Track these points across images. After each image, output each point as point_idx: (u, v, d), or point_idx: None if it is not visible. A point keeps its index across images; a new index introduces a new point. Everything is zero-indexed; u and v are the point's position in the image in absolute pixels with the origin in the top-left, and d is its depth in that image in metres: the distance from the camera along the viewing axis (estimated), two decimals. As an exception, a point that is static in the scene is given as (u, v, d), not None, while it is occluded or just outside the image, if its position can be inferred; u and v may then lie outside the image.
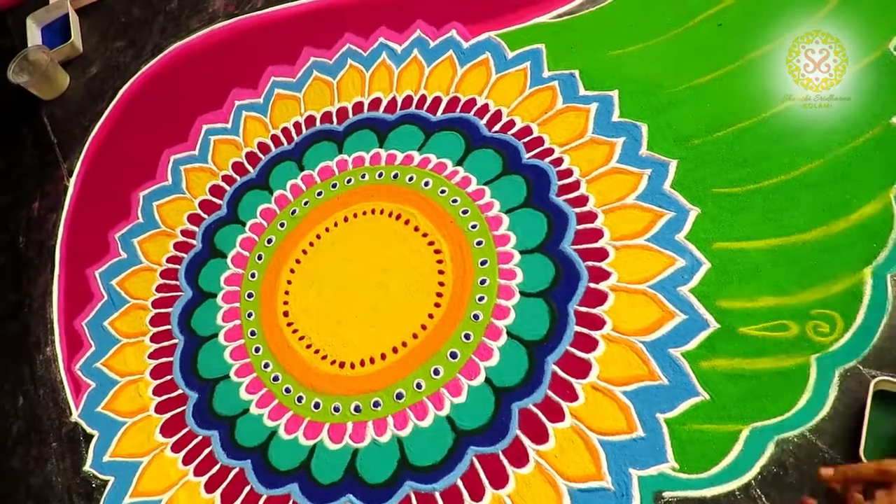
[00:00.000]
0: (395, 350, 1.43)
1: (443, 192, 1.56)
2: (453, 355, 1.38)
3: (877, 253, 1.22)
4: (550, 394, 1.29)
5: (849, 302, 1.18)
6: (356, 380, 1.43)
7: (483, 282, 1.43)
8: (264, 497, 1.37)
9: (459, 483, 1.26)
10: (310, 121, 1.79)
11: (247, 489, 1.38)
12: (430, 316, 1.44)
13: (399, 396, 1.38)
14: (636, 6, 1.64)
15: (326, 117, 1.78)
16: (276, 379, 1.49)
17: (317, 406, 1.43)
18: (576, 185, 1.46)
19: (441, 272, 1.48)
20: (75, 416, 1.60)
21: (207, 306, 1.64)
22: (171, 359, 1.60)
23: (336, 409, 1.41)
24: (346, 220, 1.63)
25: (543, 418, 1.27)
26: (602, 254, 1.38)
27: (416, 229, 1.54)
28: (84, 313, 1.73)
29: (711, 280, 1.29)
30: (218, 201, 1.78)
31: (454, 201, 1.54)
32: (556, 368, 1.30)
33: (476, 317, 1.40)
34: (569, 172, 1.48)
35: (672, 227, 1.35)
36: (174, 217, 1.79)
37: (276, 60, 1.93)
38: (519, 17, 1.73)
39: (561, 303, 1.36)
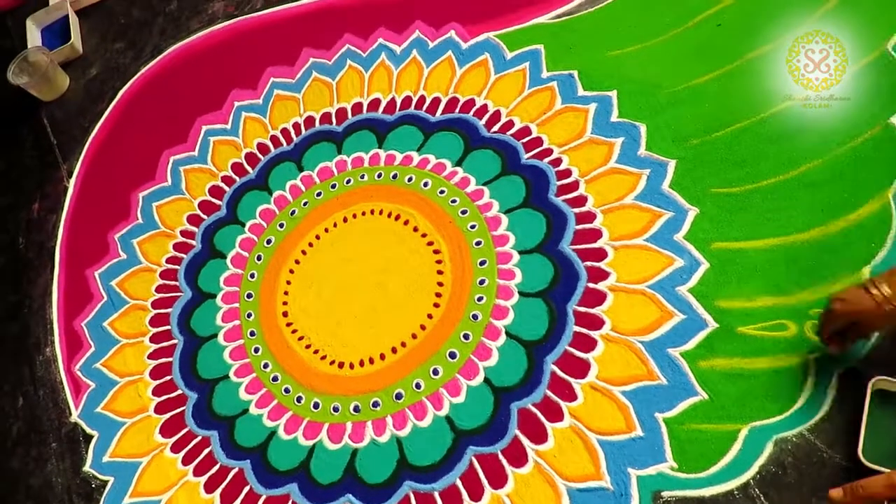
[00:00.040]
0: (394, 350, 1.43)
1: (442, 192, 1.56)
2: (452, 355, 1.38)
3: (875, 253, 1.22)
4: (549, 394, 1.29)
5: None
6: (355, 380, 1.43)
7: (482, 282, 1.43)
8: (264, 497, 1.37)
9: (458, 483, 1.27)
10: (309, 121, 1.80)
11: (246, 489, 1.38)
12: (430, 316, 1.44)
13: (398, 396, 1.38)
14: (635, 7, 1.64)
15: (326, 118, 1.78)
16: (275, 379, 1.49)
17: (316, 406, 1.43)
18: (575, 186, 1.47)
19: (440, 272, 1.48)
20: (75, 417, 1.61)
21: (207, 307, 1.64)
22: (170, 359, 1.60)
23: (335, 410, 1.41)
24: (345, 220, 1.63)
25: (542, 418, 1.27)
26: (601, 254, 1.38)
27: (416, 230, 1.55)
28: (84, 314, 1.74)
29: (710, 280, 1.29)
30: (217, 202, 1.78)
31: (453, 201, 1.54)
32: (555, 368, 1.30)
33: (475, 317, 1.40)
34: (567, 173, 1.49)
35: (671, 227, 1.36)
36: (174, 218, 1.79)
37: (276, 61, 1.93)
38: (518, 17, 1.73)
39: (560, 303, 1.36)
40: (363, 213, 1.62)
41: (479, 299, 1.42)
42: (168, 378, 1.58)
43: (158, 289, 1.70)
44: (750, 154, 1.38)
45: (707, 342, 1.24)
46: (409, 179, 1.61)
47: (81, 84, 2.17)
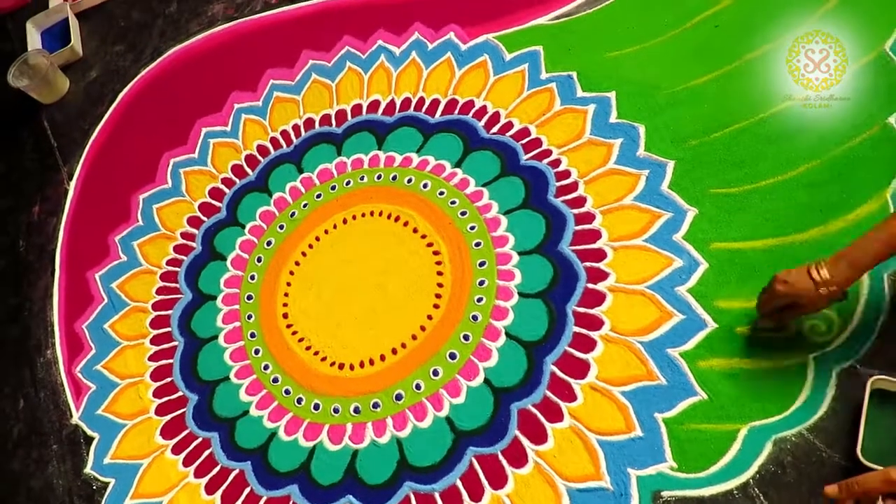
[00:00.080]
0: (394, 351, 1.44)
1: (441, 193, 1.57)
2: (452, 356, 1.38)
3: (874, 252, 1.22)
4: (549, 394, 1.29)
5: (847, 302, 1.17)
6: (355, 381, 1.44)
7: (482, 283, 1.43)
8: (264, 498, 1.37)
9: (459, 483, 1.27)
10: (309, 123, 1.80)
11: (247, 490, 1.39)
12: (429, 317, 1.44)
13: (398, 397, 1.38)
14: (634, 8, 1.65)
15: (325, 120, 1.79)
16: (275, 381, 1.50)
17: (316, 407, 1.44)
18: (574, 186, 1.47)
19: (440, 273, 1.48)
20: (76, 419, 1.61)
21: (207, 308, 1.64)
22: (171, 361, 1.60)
23: (336, 411, 1.42)
24: (345, 222, 1.63)
25: (542, 418, 1.27)
26: (600, 254, 1.38)
27: (415, 231, 1.55)
28: (84, 316, 1.74)
29: (709, 280, 1.29)
30: (217, 204, 1.78)
31: (453, 203, 1.55)
32: (555, 369, 1.31)
33: (475, 318, 1.40)
34: (567, 173, 1.49)
35: (670, 227, 1.36)
36: (174, 220, 1.80)
37: (275, 63, 1.93)
38: (517, 19, 1.74)
39: (559, 303, 1.36)
40: (363, 215, 1.62)
41: (479, 300, 1.42)
42: (169, 380, 1.58)
43: (159, 291, 1.71)
44: (749, 155, 1.38)
45: (706, 342, 1.24)
46: (409, 181, 1.62)
47: (81, 87, 2.17)
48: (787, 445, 1.13)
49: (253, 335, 1.57)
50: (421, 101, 1.71)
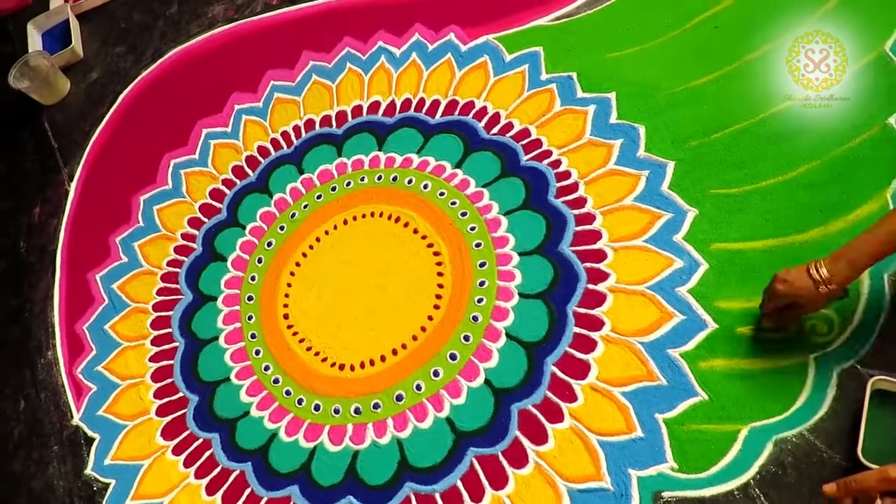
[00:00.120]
0: (394, 352, 1.44)
1: (442, 194, 1.57)
2: (453, 357, 1.38)
3: (874, 253, 1.22)
4: (550, 395, 1.29)
5: (847, 302, 1.18)
6: (356, 382, 1.44)
7: (482, 283, 1.43)
8: (265, 499, 1.37)
9: (459, 484, 1.27)
10: (309, 124, 1.80)
11: (247, 491, 1.39)
12: (430, 318, 1.44)
13: (399, 398, 1.38)
14: (633, 9, 1.65)
15: (326, 121, 1.79)
16: (276, 381, 1.50)
17: (317, 408, 1.44)
18: (574, 187, 1.47)
19: (440, 274, 1.48)
20: (76, 420, 1.61)
21: (208, 309, 1.64)
22: (171, 362, 1.60)
23: (336, 412, 1.42)
24: (345, 223, 1.63)
25: (543, 419, 1.27)
26: (600, 255, 1.38)
27: (416, 232, 1.55)
28: (85, 317, 1.74)
29: (709, 281, 1.29)
30: (218, 205, 1.78)
31: (453, 203, 1.55)
32: (556, 369, 1.31)
33: (475, 318, 1.41)
34: (567, 174, 1.49)
35: (670, 228, 1.36)
36: (174, 221, 1.80)
37: (276, 64, 1.93)
38: (517, 20, 1.74)
39: (560, 304, 1.36)
40: (363, 216, 1.62)
41: (480, 301, 1.42)
42: (169, 381, 1.58)
43: (159, 292, 1.71)
44: (749, 155, 1.39)
45: (707, 343, 1.24)
46: (409, 181, 1.62)
47: (82, 88, 2.18)
48: (788, 446, 1.13)
49: (253, 336, 1.57)
50: (421, 101, 1.71)
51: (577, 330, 1.33)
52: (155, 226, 1.81)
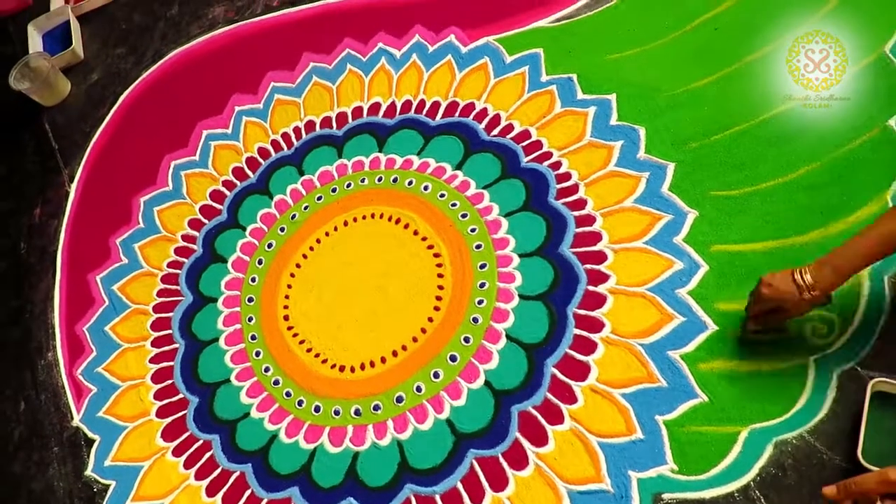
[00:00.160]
0: (394, 353, 1.44)
1: (442, 195, 1.57)
2: (453, 358, 1.39)
3: (874, 255, 1.22)
4: (550, 396, 1.29)
5: (847, 304, 1.18)
6: (356, 383, 1.44)
7: (482, 285, 1.43)
8: (265, 501, 1.37)
9: (459, 486, 1.27)
10: (309, 126, 1.80)
11: (247, 493, 1.39)
12: (430, 319, 1.45)
13: (399, 400, 1.38)
14: (634, 11, 1.65)
15: (326, 122, 1.79)
16: (276, 383, 1.50)
17: (317, 410, 1.44)
18: (574, 189, 1.47)
19: (440, 276, 1.48)
20: (77, 421, 1.61)
21: (208, 311, 1.64)
22: (172, 363, 1.60)
23: (336, 413, 1.42)
24: (345, 224, 1.63)
25: (543, 421, 1.27)
26: (601, 257, 1.38)
27: (416, 233, 1.55)
28: (85, 318, 1.74)
29: (710, 282, 1.29)
30: (218, 206, 1.78)
31: (453, 205, 1.55)
32: (556, 371, 1.31)
33: (475, 320, 1.41)
34: (567, 176, 1.49)
35: (670, 229, 1.36)
36: (175, 222, 1.80)
37: (276, 66, 1.94)
38: (517, 21, 1.74)
39: (560, 306, 1.36)
40: (364, 217, 1.62)
41: (480, 302, 1.42)
42: (170, 382, 1.58)
43: (160, 293, 1.71)
44: (749, 157, 1.39)
45: (707, 344, 1.24)
46: (410, 183, 1.62)
47: (83, 89, 2.18)
48: (788, 448, 1.13)
49: (254, 337, 1.57)
50: (422, 103, 1.71)
51: (578, 331, 1.33)
52: (155, 227, 1.81)
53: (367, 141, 1.72)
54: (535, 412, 1.29)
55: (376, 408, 1.39)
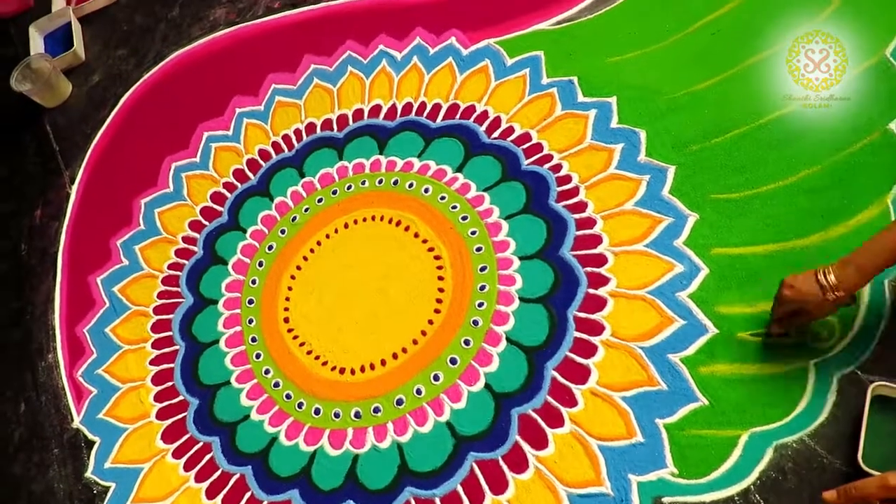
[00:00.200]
0: (395, 356, 1.44)
1: (442, 198, 1.57)
2: (453, 361, 1.38)
3: (875, 258, 1.22)
4: (550, 399, 1.29)
5: (847, 308, 1.17)
6: (356, 386, 1.44)
7: (483, 288, 1.43)
8: (265, 503, 1.37)
9: (459, 489, 1.27)
10: (310, 128, 1.80)
11: (247, 495, 1.39)
12: (430, 322, 1.45)
13: (399, 402, 1.38)
14: (634, 13, 1.65)
15: (327, 124, 1.79)
16: (276, 385, 1.50)
17: (317, 412, 1.44)
18: (575, 191, 1.47)
19: (441, 278, 1.48)
20: (77, 423, 1.61)
21: (208, 313, 1.64)
22: (172, 365, 1.60)
23: (336, 415, 1.42)
24: (346, 226, 1.63)
25: (543, 424, 1.27)
26: (601, 259, 1.38)
27: (416, 235, 1.55)
28: (86, 320, 1.74)
29: (710, 285, 1.29)
30: (219, 208, 1.78)
31: (454, 207, 1.55)
32: (556, 374, 1.31)
33: (476, 322, 1.41)
34: (568, 178, 1.49)
35: (671, 232, 1.36)
36: (175, 224, 1.80)
37: (277, 68, 1.94)
38: (518, 24, 1.74)
39: (560, 308, 1.36)
40: (364, 220, 1.63)
41: (480, 305, 1.42)
42: (170, 384, 1.58)
43: (160, 295, 1.71)
44: (749, 160, 1.39)
45: (707, 348, 1.24)
46: (410, 185, 1.62)
47: (84, 91, 2.18)
48: (788, 451, 1.13)
49: (254, 339, 1.57)
50: (422, 105, 1.71)
51: (578, 334, 1.33)
52: (156, 229, 1.81)
53: (368, 143, 1.72)
54: (535, 415, 1.28)
55: (376, 410, 1.39)
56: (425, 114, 1.70)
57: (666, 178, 1.42)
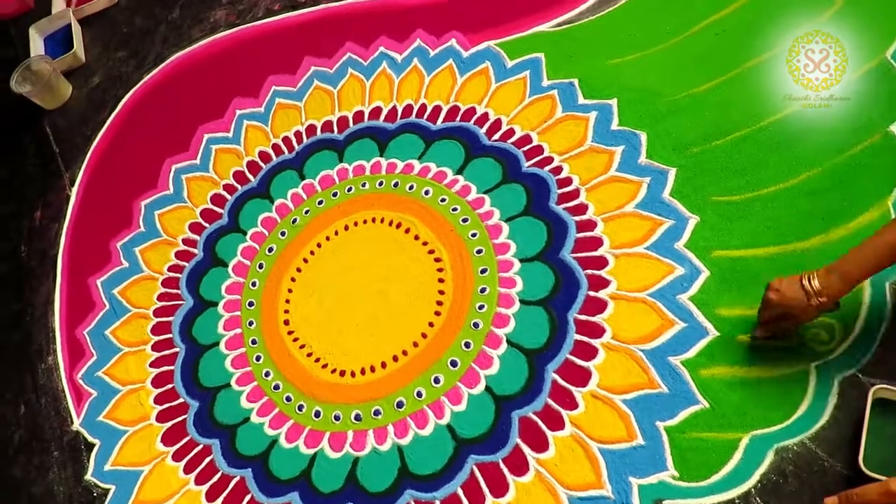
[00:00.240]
0: (395, 358, 1.44)
1: (443, 200, 1.57)
2: (453, 363, 1.38)
3: (875, 261, 1.22)
4: (550, 402, 1.29)
5: (848, 310, 1.17)
6: (357, 388, 1.44)
7: (483, 290, 1.43)
8: (265, 506, 1.37)
9: (460, 491, 1.27)
10: (310, 130, 1.80)
11: (247, 498, 1.38)
12: (431, 324, 1.44)
13: (399, 405, 1.38)
14: (635, 15, 1.65)
15: (327, 126, 1.79)
16: (276, 388, 1.50)
17: (317, 415, 1.43)
18: (575, 194, 1.47)
19: (441, 281, 1.48)
20: (77, 425, 1.61)
21: (208, 315, 1.64)
22: (172, 367, 1.60)
23: (336, 418, 1.42)
24: (346, 228, 1.63)
25: (543, 426, 1.27)
26: (602, 262, 1.38)
27: (417, 238, 1.55)
28: (86, 322, 1.74)
29: (711, 288, 1.29)
30: (219, 210, 1.78)
31: (454, 210, 1.55)
32: (556, 377, 1.30)
33: (476, 325, 1.40)
34: (568, 181, 1.49)
35: (671, 235, 1.36)
36: (175, 226, 1.80)
37: (277, 70, 1.94)
38: (518, 26, 1.74)
39: (561, 311, 1.36)
40: (364, 222, 1.62)
41: (481, 307, 1.42)
42: (170, 386, 1.58)
43: (160, 297, 1.71)
44: (750, 162, 1.38)
45: (708, 350, 1.24)
46: (411, 188, 1.62)
47: (84, 92, 2.18)
48: (789, 454, 1.13)
49: (254, 342, 1.57)
50: (423, 107, 1.71)
51: (578, 337, 1.33)
52: (156, 231, 1.81)
53: (369, 145, 1.72)
54: (535, 418, 1.28)
55: (377, 413, 1.39)
56: (426, 116, 1.70)
57: (666, 181, 1.42)
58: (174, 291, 1.70)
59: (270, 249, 1.67)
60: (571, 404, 1.27)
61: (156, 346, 1.64)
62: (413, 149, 1.67)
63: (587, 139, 1.52)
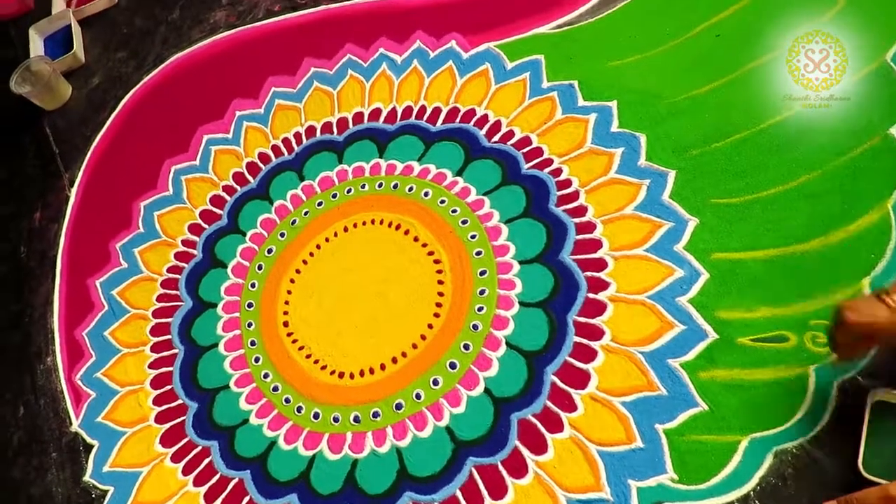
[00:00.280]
0: (394, 360, 1.43)
1: (442, 202, 1.57)
2: (452, 366, 1.38)
3: (875, 264, 1.22)
4: (549, 404, 1.29)
5: (848, 313, 1.17)
6: (356, 390, 1.43)
7: (482, 292, 1.43)
8: (264, 508, 1.37)
9: (458, 494, 1.26)
10: (310, 131, 1.80)
11: (246, 499, 1.38)
12: (430, 326, 1.44)
13: (398, 407, 1.38)
14: (635, 17, 1.65)
15: (327, 127, 1.79)
16: (275, 389, 1.50)
17: (316, 416, 1.43)
18: (575, 196, 1.47)
19: (440, 282, 1.48)
20: (75, 426, 1.61)
21: (208, 316, 1.64)
22: (171, 369, 1.60)
23: (335, 420, 1.41)
24: (346, 230, 1.63)
25: (542, 429, 1.27)
26: (601, 264, 1.38)
27: (416, 239, 1.55)
28: (85, 323, 1.74)
29: (710, 290, 1.29)
30: (218, 211, 1.78)
31: (454, 211, 1.55)
32: (556, 379, 1.30)
33: (475, 327, 1.40)
34: (568, 183, 1.49)
35: (671, 237, 1.36)
36: (175, 227, 1.80)
37: (277, 71, 1.94)
38: (518, 27, 1.74)
39: (560, 313, 1.36)
40: (364, 223, 1.62)
41: (480, 309, 1.42)
42: (169, 387, 1.58)
43: (159, 298, 1.71)
44: (750, 164, 1.38)
45: (707, 353, 1.24)
46: (410, 189, 1.62)
47: (83, 93, 2.18)
48: (789, 457, 1.13)
49: (253, 343, 1.57)
50: (422, 109, 1.71)
51: (578, 339, 1.33)
52: (155, 232, 1.81)
53: (368, 146, 1.72)
54: (534, 420, 1.28)
55: (375, 415, 1.39)
56: (425, 117, 1.70)
57: (666, 183, 1.41)
58: (173, 292, 1.70)
59: (270, 251, 1.67)
60: (570, 406, 1.27)
61: (155, 348, 1.64)
62: (413, 150, 1.67)
63: (587, 141, 1.52)
